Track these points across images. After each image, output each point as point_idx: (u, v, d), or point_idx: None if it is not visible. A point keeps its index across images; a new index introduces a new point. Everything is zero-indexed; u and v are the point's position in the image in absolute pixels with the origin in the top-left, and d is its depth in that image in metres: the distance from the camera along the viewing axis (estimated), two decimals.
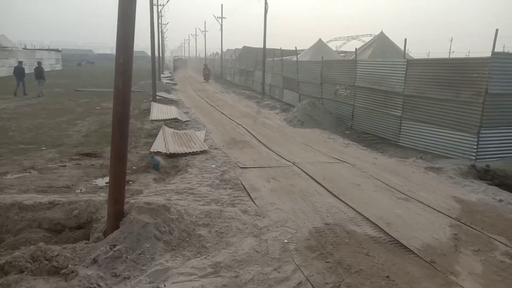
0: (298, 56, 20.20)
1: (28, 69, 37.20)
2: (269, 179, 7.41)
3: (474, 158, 8.76)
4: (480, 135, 8.70)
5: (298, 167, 8.28)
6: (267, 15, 24.27)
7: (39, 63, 21.77)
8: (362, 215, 5.67)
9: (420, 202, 6.34)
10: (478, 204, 6.36)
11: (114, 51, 4.46)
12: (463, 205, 6.26)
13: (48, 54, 48.34)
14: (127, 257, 4.04)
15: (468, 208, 6.16)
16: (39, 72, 20.55)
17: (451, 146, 9.35)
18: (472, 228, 5.36)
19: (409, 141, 10.70)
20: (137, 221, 4.40)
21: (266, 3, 24.10)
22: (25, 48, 50.60)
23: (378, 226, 5.29)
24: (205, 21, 61.90)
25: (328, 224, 5.31)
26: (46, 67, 42.02)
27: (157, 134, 11.01)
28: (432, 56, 52.78)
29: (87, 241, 4.67)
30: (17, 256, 3.87)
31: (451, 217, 5.71)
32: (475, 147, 8.78)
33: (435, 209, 6.01)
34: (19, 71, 20.60)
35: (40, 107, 15.84)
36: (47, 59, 45.54)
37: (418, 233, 5.13)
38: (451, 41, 71.19)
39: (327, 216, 5.62)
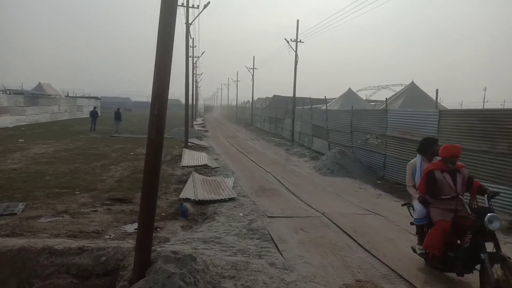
0: (327, 104, 20.37)
1: (69, 115, 39.33)
2: (297, 229, 7.24)
3: None
4: None
5: (328, 218, 8.07)
6: (297, 65, 24.93)
7: (118, 109, 27.94)
8: (395, 272, 5.37)
9: None
10: None
11: (150, 99, 4.63)
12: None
13: (88, 101, 50.98)
14: None
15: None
16: (117, 115, 26.68)
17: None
18: None
19: None
20: (163, 271, 4.34)
21: (296, 55, 24.86)
22: (67, 96, 53.66)
23: (413, 285, 4.98)
24: (237, 72, 64.34)
25: (360, 281, 5.05)
26: (85, 114, 44.42)
27: (187, 180, 11.13)
28: (465, 105, 51.99)
29: None
30: None
31: None
32: None
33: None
34: (93, 114, 27.74)
35: (77, 152, 16.49)
36: (87, 106, 48.02)
37: None
38: (485, 90, 70.18)
39: (358, 272, 5.37)
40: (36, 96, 36.20)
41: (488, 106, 55.24)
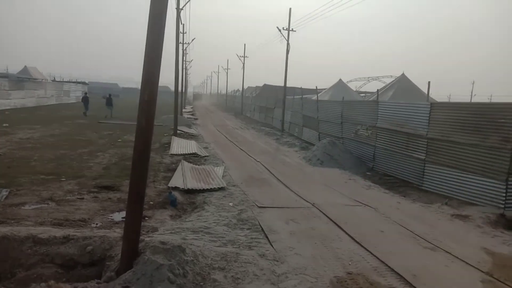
0: (318, 95, 20.29)
1: (56, 100, 38.56)
2: (288, 220, 7.18)
3: (502, 206, 8.34)
4: (509, 183, 8.32)
5: (318, 209, 8.03)
6: (288, 54, 24.73)
7: (109, 95, 29.05)
8: (386, 264, 5.36)
9: (448, 252, 5.99)
10: (511, 257, 5.96)
11: (139, 85, 4.47)
12: (494, 258, 5.87)
13: (75, 86, 50.04)
14: None
15: (500, 261, 5.77)
16: (109, 101, 27.61)
17: (478, 193, 8.96)
18: (507, 285, 4.97)
19: (433, 185, 10.34)
20: (151, 262, 4.24)
21: (288, 44, 24.62)
22: (54, 80, 52.52)
23: (404, 278, 4.97)
24: (227, 60, 63.61)
25: (350, 274, 5.02)
26: (72, 99, 43.64)
27: (176, 169, 10.99)
28: (453, 98, 52.43)
29: (98, 280, 4.51)
30: None
31: (482, 271, 5.34)
32: (504, 195, 8.37)
33: (464, 261, 5.66)
34: (85, 100, 28.42)
35: (63, 138, 16.16)
36: (74, 91, 47.13)
37: (447, 287, 4.79)
38: (473, 84, 70.76)
39: (349, 264, 5.34)
40: (22, 79, 35.31)
41: (475, 99, 55.80)
